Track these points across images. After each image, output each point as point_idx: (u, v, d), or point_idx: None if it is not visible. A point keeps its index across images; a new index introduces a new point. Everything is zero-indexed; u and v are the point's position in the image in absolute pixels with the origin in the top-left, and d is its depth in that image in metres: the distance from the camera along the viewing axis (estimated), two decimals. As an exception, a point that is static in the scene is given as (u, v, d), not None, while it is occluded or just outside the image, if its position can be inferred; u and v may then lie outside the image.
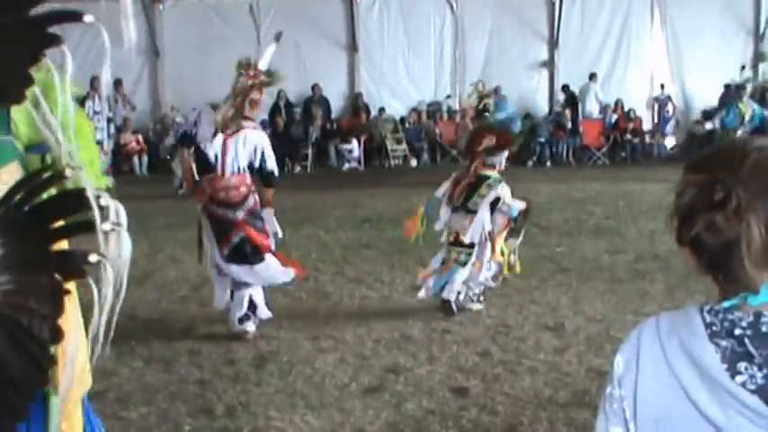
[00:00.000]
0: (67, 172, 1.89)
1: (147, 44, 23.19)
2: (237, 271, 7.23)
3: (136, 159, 21.53)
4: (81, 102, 16.47)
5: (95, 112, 19.74)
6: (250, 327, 7.31)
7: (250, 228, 7.25)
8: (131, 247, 1.84)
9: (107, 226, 1.89)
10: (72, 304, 2.55)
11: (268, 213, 7.48)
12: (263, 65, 7.48)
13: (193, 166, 7.39)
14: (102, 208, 1.89)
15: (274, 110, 22.69)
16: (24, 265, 1.76)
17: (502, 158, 8.35)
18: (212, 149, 7.21)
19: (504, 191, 8.03)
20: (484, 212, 7.93)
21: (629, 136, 23.71)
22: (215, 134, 7.19)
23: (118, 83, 21.41)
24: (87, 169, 2.33)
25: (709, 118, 20.41)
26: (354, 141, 22.78)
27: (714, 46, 23.80)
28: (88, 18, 2.09)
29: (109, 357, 6.38)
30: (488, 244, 7.94)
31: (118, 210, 1.94)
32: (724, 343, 1.56)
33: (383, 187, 17.72)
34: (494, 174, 8.13)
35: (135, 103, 21.83)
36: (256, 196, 7.44)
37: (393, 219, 13.18)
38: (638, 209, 13.84)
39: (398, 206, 14.62)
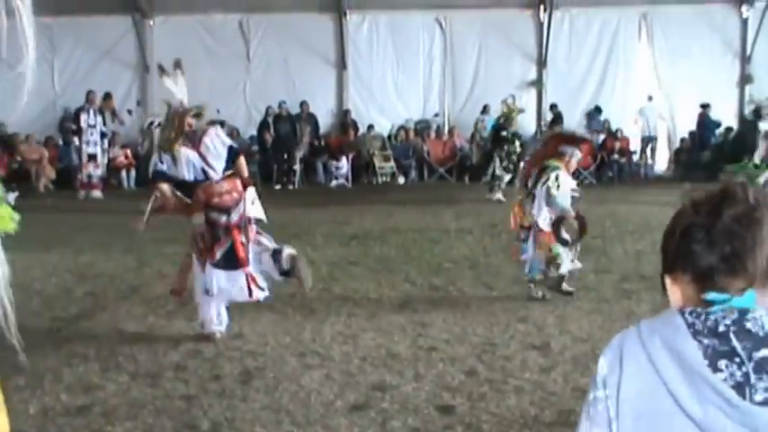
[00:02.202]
0: None
1: (138, 59, 23.24)
2: (218, 276, 7.48)
3: (124, 173, 21.52)
4: (75, 115, 16.26)
5: (90, 126, 19.74)
6: (217, 327, 7.65)
7: (238, 236, 7.52)
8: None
9: None
10: None
11: (250, 193, 7.74)
12: (181, 95, 7.84)
13: (176, 195, 7.70)
14: None
15: (262, 126, 22.74)
16: None
17: (573, 156, 9.00)
18: (193, 169, 7.54)
19: (554, 179, 8.37)
20: (539, 198, 8.73)
21: (616, 156, 23.81)
22: (163, 154, 7.60)
23: (107, 97, 21.44)
24: None
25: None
26: (343, 158, 22.81)
27: (701, 67, 23.97)
28: None
29: (94, 372, 6.38)
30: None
31: None
32: (706, 341, 1.58)
33: (370, 204, 17.73)
34: (555, 162, 8.76)
35: (123, 117, 21.83)
36: (247, 203, 7.68)
37: (380, 236, 13.22)
38: (624, 229, 13.89)
39: (386, 223, 14.66)
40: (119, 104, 22.11)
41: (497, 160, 18.56)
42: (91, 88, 20.81)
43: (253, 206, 7.71)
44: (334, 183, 22.62)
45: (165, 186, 7.64)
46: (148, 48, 23.30)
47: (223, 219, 7.51)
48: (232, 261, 7.50)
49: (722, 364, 1.55)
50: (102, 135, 20.32)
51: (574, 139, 9.08)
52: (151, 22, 23.60)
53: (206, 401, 6.04)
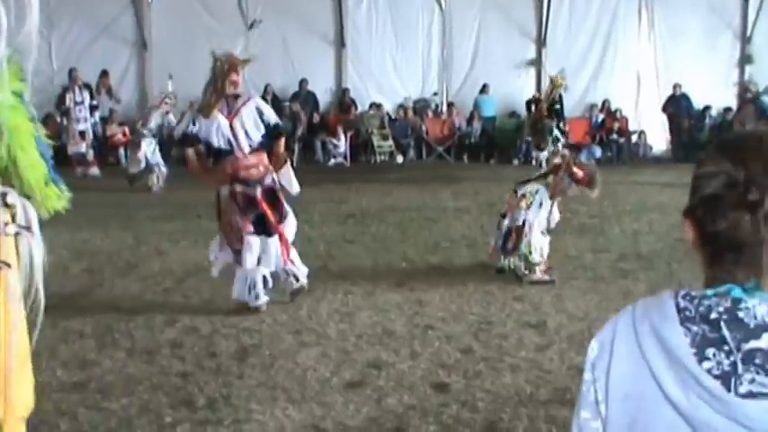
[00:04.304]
0: None
1: (136, 36, 23.14)
2: (255, 241, 7.70)
3: (122, 151, 21.45)
4: (61, 96, 16.17)
5: (77, 103, 19.70)
6: (262, 300, 7.77)
7: (267, 206, 7.77)
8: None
9: (12, 229, 1.74)
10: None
11: (286, 172, 8.08)
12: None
13: (201, 160, 7.96)
14: (8, 206, 1.75)
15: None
16: None
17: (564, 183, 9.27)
18: (221, 137, 7.66)
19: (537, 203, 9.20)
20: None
21: (614, 135, 23.77)
22: (199, 117, 7.74)
23: (103, 74, 21.38)
24: (27, 173, 2.18)
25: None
26: (342, 136, 22.73)
27: (701, 47, 23.92)
28: None
29: (90, 348, 6.39)
30: None
31: (27, 210, 1.79)
32: (695, 328, 1.56)
33: (368, 183, 17.73)
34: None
35: (120, 95, 21.76)
36: (274, 175, 7.94)
37: (378, 215, 13.23)
38: (622, 208, 13.89)
39: (383, 202, 14.66)
40: (116, 82, 22.04)
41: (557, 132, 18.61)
42: (88, 65, 20.73)
43: (287, 179, 8.00)
44: (331, 161, 22.55)
45: (191, 151, 7.75)
46: (146, 25, 23.17)
47: (249, 191, 7.69)
48: (263, 227, 7.73)
49: (710, 352, 1.54)
50: (92, 108, 20.29)
51: (572, 174, 9.14)
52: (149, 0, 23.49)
53: (202, 378, 6.06)
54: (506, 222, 9.15)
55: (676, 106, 23.76)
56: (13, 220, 1.78)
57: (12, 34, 1.90)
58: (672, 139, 24.34)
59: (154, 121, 16.67)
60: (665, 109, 24.00)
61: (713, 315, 1.56)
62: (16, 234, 1.76)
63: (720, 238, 1.60)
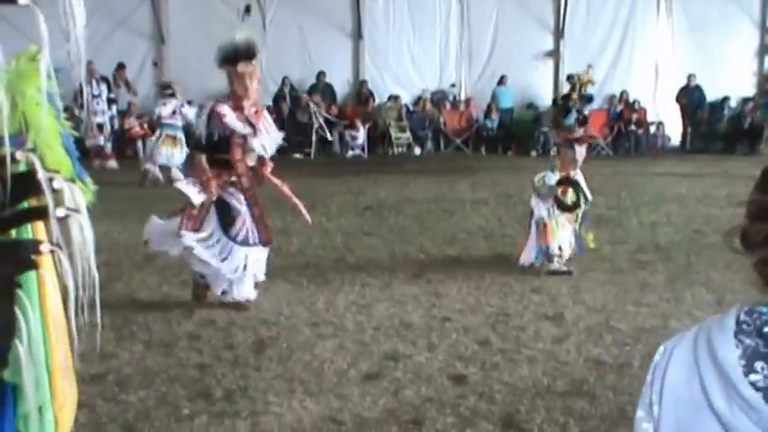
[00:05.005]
0: (18, 154, 1.78)
1: (153, 30, 23.20)
2: (244, 252, 7.53)
3: (140, 144, 21.51)
4: (79, 89, 16.21)
5: (94, 96, 19.77)
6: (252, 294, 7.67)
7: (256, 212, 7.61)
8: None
9: (61, 212, 1.79)
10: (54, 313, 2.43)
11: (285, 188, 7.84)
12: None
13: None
14: (55, 191, 1.79)
15: (279, 96, 22.69)
16: None
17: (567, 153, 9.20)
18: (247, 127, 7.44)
19: (540, 178, 9.03)
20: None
21: (633, 127, 23.69)
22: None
23: (120, 67, 21.45)
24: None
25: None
26: (361, 128, 22.72)
27: (719, 37, 23.77)
28: (22, 0, 1.97)
29: (108, 340, 6.41)
30: None
31: (74, 193, 1.83)
32: (749, 341, 1.57)
33: (386, 175, 17.72)
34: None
35: (137, 88, 21.82)
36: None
37: (395, 206, 13.22)
38: (640, 200, 13.86)
39: (401, 194, 14.66)
40: (133, 75, 22.10)
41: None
42: (105, 58, 20.80)
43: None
44: (349, 153, 22.57)
45: (204, 159, 7.49)
46: (164, 18, 23.24)
47: (238, 198, 7.51)
48: (256, 237, 7.57)
49: (759, 365, 1.55)
50: (110, 101, 20.36)
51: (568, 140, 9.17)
52: (166, -8, 23.54)
53: (219, 370, 6.07)
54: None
55: (689, 97, 23.69)
56: (61, 203, 1.82)
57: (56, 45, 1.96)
58: (684, 130, 24.26)
59: (165, 112, 16.38)
60: (677, 99, 23.92)
61: (766, 329, 1.57)
62: (66, 217, 1.81)
63: None
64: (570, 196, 8.91)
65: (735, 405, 1.54)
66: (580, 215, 8.98)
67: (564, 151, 9.05)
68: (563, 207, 8.88)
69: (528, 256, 8.99)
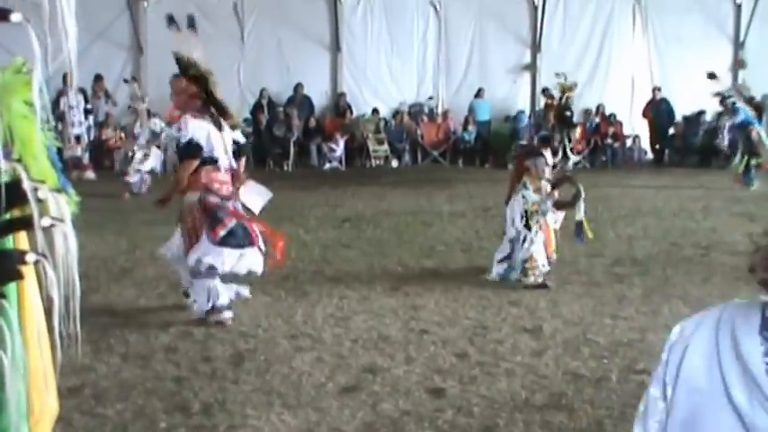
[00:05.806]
0: (3, 164, 1.79)
1: (132, 41, 23.13)
2: (229, 254, 7.42)
3: (116, 155, 21.41)
4: (56, 100, 16.10)
5: (71, 107, 19.69)
6: (227, 314, 7.55)
7: (242, 216, 7.60)
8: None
9: (46, 221, 1.79)
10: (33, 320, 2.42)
11: (251, 186, 7.93)
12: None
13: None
14: (40, 201, 1.79)
15: (256, 108, 22.67)
16: None
17: (537, 164, 9.27)
18: (209, 145, 7.42)
19: (520, 198, 9.09)
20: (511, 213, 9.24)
21: (609, 140, 23.79)
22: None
23: (98, 78, 21.35)
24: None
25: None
26: (340, 141, 22.69)
27: (695, 52, 23.90)
28: (15, 17, 1.98)
29: (85, 353, 6.37)
30: None
31: (59, 203, 1.84)
32: None
33: (364, 187, 17.72)
34: (526, 179, 9.15)
35: (117, 99, 21.74)
36: (239, 202, 7.75)
37: (373, 219, 13.22)
38: (617, 213, 13.91)
39: (379, 206, 14.66)
40: (112, 86, 22.01)
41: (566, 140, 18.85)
42: (83, 69, 20.69)
43: (252, 197, 7.78)
44: (327, 165, 22.53)
45: (192, 164, 7.46)
46: (143, 29, 23.15)
47: (224, 204, 7.48)
48: (244, 237, 7.52)
49: None
50: (87, 112, 20.28)
51: (533, 150, 9.31)
52: (145, 3, 23.36)
53: (197, 383, 6.05)
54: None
55: (656, 110, 23.87)
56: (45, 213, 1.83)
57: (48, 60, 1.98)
58: (652, 144, 24.44)
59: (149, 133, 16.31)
60: (644, 114, 24.11)
61: None
62: (51, 226, 1.81)
63: None
64: (569, 189, 9.04)
65: (755, 401, 1.54)
66: (582, 206, 8.97)
67: (530, 165, 9.09)
68: (564, 204, 8.98)
69: (497, 270, 9.10)
